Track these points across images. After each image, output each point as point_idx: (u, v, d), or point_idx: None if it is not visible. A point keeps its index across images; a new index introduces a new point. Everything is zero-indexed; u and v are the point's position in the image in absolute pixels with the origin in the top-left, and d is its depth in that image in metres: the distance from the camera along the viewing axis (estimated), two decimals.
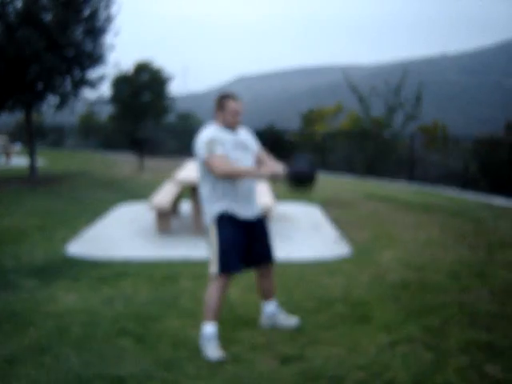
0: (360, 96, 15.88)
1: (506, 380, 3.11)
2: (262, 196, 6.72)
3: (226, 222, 3.49)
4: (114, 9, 11.84)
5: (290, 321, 3.84)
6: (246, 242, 3.55)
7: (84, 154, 20.83)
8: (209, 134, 3.53)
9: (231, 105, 3.57)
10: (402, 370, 3.18)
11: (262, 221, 3.74)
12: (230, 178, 3.48)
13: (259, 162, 3.73)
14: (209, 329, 3.40)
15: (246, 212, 3.56)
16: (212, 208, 3.53)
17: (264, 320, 3.86)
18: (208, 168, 3.49)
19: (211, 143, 3.47)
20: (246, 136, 3.74)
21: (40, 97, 11.85)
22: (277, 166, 3.60)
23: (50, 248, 6.01)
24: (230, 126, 3.60)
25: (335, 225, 7.32)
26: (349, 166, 15.19)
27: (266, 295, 3.82)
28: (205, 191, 3.58)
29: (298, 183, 3.57)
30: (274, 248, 3.79)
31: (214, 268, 3.43)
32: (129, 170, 14.56)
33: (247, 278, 4.25)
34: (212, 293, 3.43)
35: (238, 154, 3.56)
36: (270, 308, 3.82)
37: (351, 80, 15.90)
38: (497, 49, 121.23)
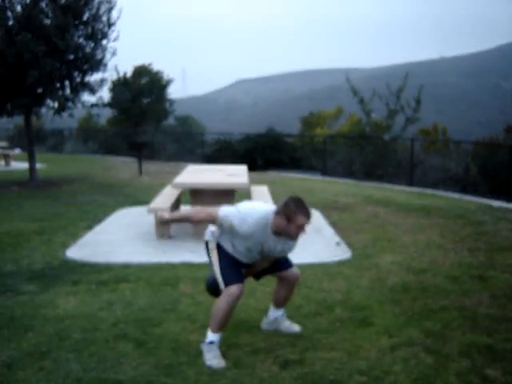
0: (360, 98, 15.86)
1: (508, 383, 3.10)
2: (262, 200, 6.71)
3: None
4: (114, 13, 11.79)
5: (292, 328, 3.82)
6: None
7: (83, 157, 20.82)
8: (243, 228, 3.25)
9: (301, 220, 3.22)
10: (402, 374, 3.17)
11: None
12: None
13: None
14: (212, 338, 3.36)
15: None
16: (216, 238, 3.49)
17: (266, 324, 3.85)
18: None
19: (230, 226, 3.29)
20: (281, 246, 3.40)
21: (39, 101, 11.85)
22: None
23: (50, 252, 6.00)
24: (285, 236, 3.31)
25: (335, 228, 7.31)
26: (348, 170, 15.19)
27: (278, 302, 3.77)
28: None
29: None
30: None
31: (221, 284, 3.38)
32: (128, 173, 14.55)
33: (248, 283, 4.23)
34: (220, 304, 3.33)
35: (250, 254, 3.41)
36: (276, 314, 3.79)
37: (351, 83, 15.88)
38: (496, 52, 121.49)
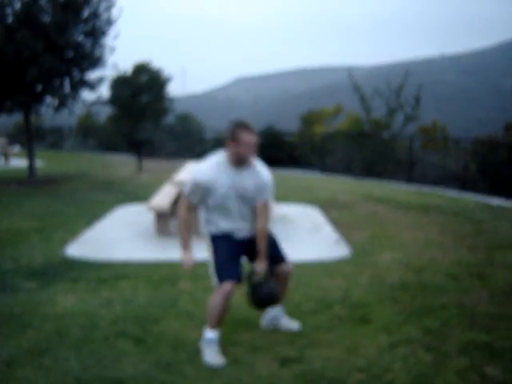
0: (362, 96, 15.87)
1: (506, 381, 3.11)
2: None
3: (220, 238, 3.51)
4: (114, 11, 11.77)
5: (291, 325, 3.82)
6: (243, 252, 3.54)
7: (83, 155, 20.82)
8: (201, 176, 3.33)
9: (247, 137, 3.25)
10: (401, 372, 3.17)
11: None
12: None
13: (256, 214, 3.46)
14: (210, 334, 3.37)
15: (239, 233, 3.51)
16: (207, 228, 3.58)
17: (265, 322, 3.85)
18: None
19: (193, 185, 3.36)
20: (250, 180, 3.38)
21: (39, 98, 11.84)
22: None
23: (49, 250, 6.00)
24: (242, 160, 3.32)
25: (334, 226, 7.31)
26: (347, 167, 15.20)
27: None
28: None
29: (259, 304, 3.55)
30: (283, 250, 3.71)
31: (214, 279, 3.42)
32: (128, 171, 14.55)
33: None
34: (214, 300, 3.36)
35: (231, 203, 3.38)
36: (274, 312, 3.79)
37: (354, 80, 15.88)
38: (495, 50, 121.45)
